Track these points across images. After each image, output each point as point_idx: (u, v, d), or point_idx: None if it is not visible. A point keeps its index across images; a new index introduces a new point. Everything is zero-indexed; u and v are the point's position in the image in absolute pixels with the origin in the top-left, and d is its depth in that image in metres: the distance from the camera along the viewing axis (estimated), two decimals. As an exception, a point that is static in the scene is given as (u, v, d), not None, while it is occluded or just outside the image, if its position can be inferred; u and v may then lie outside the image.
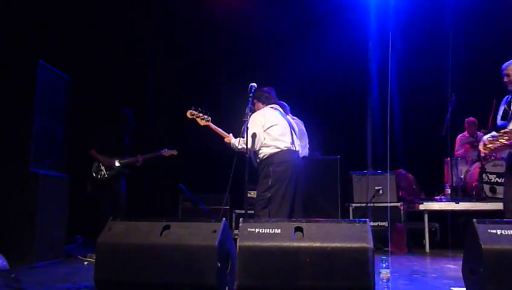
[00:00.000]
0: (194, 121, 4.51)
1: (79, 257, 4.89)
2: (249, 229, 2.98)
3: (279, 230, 2.97)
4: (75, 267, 4.51)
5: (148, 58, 7.41)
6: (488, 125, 6.62)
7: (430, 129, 6.87)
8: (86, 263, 4.65)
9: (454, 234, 6.06)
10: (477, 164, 6.41)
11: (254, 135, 4.30)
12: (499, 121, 4.31)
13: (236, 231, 4.33)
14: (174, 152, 5.56)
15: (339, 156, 6.26)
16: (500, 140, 4.07)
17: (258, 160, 4.47)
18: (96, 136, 5.58)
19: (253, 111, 4.35)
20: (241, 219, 3.08)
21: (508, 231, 2.91)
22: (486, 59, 7.28)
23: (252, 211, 5.79)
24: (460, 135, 7.21)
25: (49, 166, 4.72)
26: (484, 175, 6.21)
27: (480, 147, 4.23)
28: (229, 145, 4.50)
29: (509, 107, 4.17)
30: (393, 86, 6.67)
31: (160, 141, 6.90)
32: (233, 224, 6.06)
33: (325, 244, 2.88)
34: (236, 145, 4.37)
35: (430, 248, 5.94)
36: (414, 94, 7.43)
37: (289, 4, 7.54)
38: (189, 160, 5.75)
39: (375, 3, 7.12)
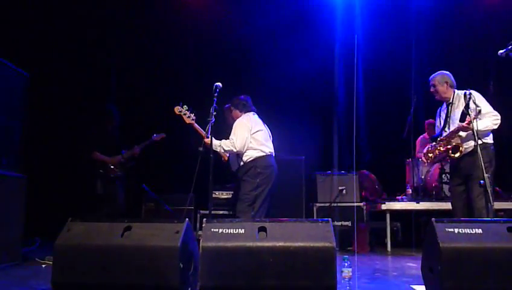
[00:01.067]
0: (179, 117, 4.60)
1: (37, 259, 4.74)
2: (212, 229, 2.96)
3: (243, 230, 2.95)
4: (33, 269, 4.36)
5: (112, 55, 7.24)
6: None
7: (392, 131, 7.02)
8: (44, 265, 4.51)
9: (415, 233, 6.23)
10: (437, 165, 6.59)
11: (242, 138, 4.55)
12: (437, 130, 4.78)
13: (200, 232, 4.31)
14: (163, 135, 5.58)
15: (303, 157, 6.32)
16: (438, 148, 4.55)
17: (241, 162, 4.67)
18: (94, 137, 5.46)
19: (217, 112, 4.34)
20: (204, 219, 3.05)
21: (465, 229, 3.00)
22: (448, 62, 7.50)
23: (222, 212, 5.85)
24: (421, 136, 7.39)
25: (5, 165, 4.54)
26: (443, 175, 6.38)
27: (422, 157, 4.74)
28: (209, 145, 4.52)
29: (446, 116, 4.61)
30: (358, 87, 6.80)
31: (124, 140, 6.80)
32: (198, 225, 6.02)
33: (288, 244, 2.89)
34: (224, 148, 4.58)
35: (391, 246, 6.06)
36: (377, 96, 7.56)
37: (257, 8, 7.56)
38: (153, 160, 5.65)
39: (341, 7, 7.24)
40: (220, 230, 2.95)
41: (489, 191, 3.85)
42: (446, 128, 4.61)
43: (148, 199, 6.26)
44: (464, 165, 4.44)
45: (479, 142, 4.12)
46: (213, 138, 4.50)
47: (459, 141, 4.43)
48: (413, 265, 4.74)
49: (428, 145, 4.77)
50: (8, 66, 4.66)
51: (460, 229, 2.99)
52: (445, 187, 6.34)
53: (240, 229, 2.95)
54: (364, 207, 6.17)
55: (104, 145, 5.42)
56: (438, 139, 4.64)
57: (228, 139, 4.66)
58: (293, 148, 6.42)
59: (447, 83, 4.65)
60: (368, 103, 7.23)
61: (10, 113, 4.73)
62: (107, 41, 7.12)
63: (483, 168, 3.87)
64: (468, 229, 2.99)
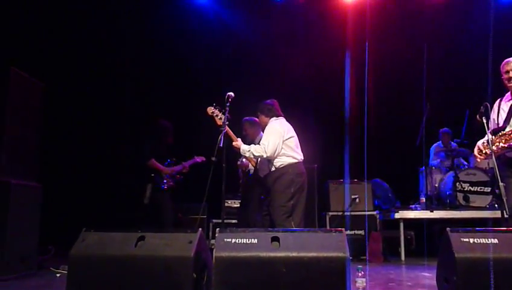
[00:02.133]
0: (211, 118, 4.51)
1: (51, 268, 4.77)
2: (225, 239, 2.96)
3: (256, 240, 2.95)
4: (47, 279, 4.40)
5: (126, 64, 7.31)
6: (461, 135, 6.77)
7: (405, 139, 6.98)
8: (58, 274, 4.54)
9: (429, 242, 6.16)
10: (451, 173, 6.53)
11: (274, 144, 4.45)
12: (492, 124, 4.20)
13: (213, 241, 4.32)
14: (203, 158, 5.66)
15: (316, 165, 6.30)
16: (498, 143, 3.98)
17: (272, 168, 4.57)
18: (153, 145, 5.50)
19: (229, 121, 4.34)
20: (217, 229, 3.06)
21: (481, 239, 2.96)
22: (461, 71, 7.46)
23: (234, 221, 5.84)
24: (435, 144, 7.34)
25: (21, 175, 4.60)
26: (458, 184, 6.32)
27: (476, 152, 4.16)
28: (237, 149, 4.57)
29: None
30: (370, 95, 6.79)
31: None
32: (210, 234, 6.02)
33: (301, 254, 2.87)
34: (254, 153, 4.48)
35: (405, 256, 6.01)
36: (390, 104, 7.54)
37: (270, 15, 7.60)
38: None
39: (351, 14, 7.25)
40: (233, 240, 2.95)
41: (504, 200, 3.77)
42: (510, 123, 4.02)
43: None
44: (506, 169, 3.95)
45: None
46: (242, 143, 4.58)
47: None
48: (427, 275, 4.69)
49: (483, 140, 4.11)
50: (23, 75, 4.73)
51: (475, 239, 2.96)
52: (460, 195, 6.28)
53: (253, 239, 2.95)
54: (378, 216, 6.12)
55: (157, 157, 5.46)
56: (500, 133, 4.04)
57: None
58: (305, 157, 6.40)
59: None
60: (380, 110, 7.21)
61: (25, 122, 4.79)
62: (123, 49, 7.20)
63: None
64: (483, 239, 2.96)
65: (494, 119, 4.19)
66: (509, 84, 4.07)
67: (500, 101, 4.19)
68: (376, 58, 7.01)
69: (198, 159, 5.67)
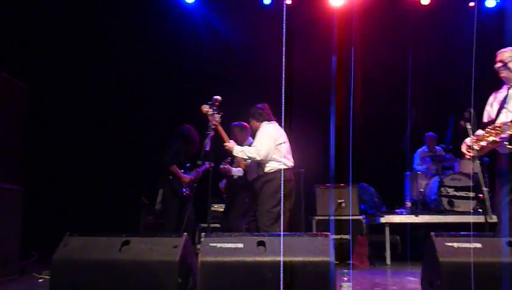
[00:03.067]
0: (205, 116, 4.35)
1: (34, 274, 4.69)
2: (210, 244, 2.95)
3: (242, 245, 2.95)
4: (29, 284, 4.33)
5: (111, 65, 7.24)
6: (446, 140, 6.85)
7: (391, 144, 7.03)
8: (40, 280, 4.47)
9: (414, 246, 6.20)
10: (436, 178, 6.59)
11: (267, 147, 4.46)
12: (486, 116, 4.04)
13: (199, 246, 4.30)
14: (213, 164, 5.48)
15: (303, 169, 6.30)
16: (486, 138, 3.78)
17: (261, 172, 4.56)
18: (175, 152, 5.32)
19: (216, 129, 4.31)
20: (203, 234, 3.04)
21: (464, 244, 3.00)
22: (445, 77, 7.56)
23: (218, 225, 5.81)
24: (420, 149, 7.40)
25: (3, 178, 4.52)
26: (443, 189, 6.38)
27: (464, 149, 3.92)
28: (229, 151, 4.55)
29: (504, 100, 3.88)
30: (357, 100, 6.83)
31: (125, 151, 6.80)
32: (196, 238, 5.98)
33: (287, 259, 2.87)
34: (248, 154, 4.47)
35: (391, 260, 6.03)
36: (376, 109, 7.59)
37: (259, 19, 7.61)
38: (152, 172, 5.63)
39: (338, 18, 7.29)
40: (219, 245, 2.94)
41: (487, 205, 3.81)
42: (502, 115, 3.85)
43: (147, 212, 6.23)
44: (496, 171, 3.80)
45: None
46: (235, 144, 4.56)
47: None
48: (412, 279, 4.71)
49: (471, 137, 3.92)
50: (7, 78, 4.66)
51: (459, 244, 2.99)
52: (444, 200, 6.34)
53: (238, 244, 2.94)
54: (363, 220, 6.14)
55: (179, 162, 5.32)
56: (489, 127, 3.83)
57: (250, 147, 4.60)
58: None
59: None
60: (367, 115, 7.25)
61: (8, 126, 4.72)
62: (111, 51, 7.14)
63: None
64: (467, 244, 2.99)
65: (488, 111, 4.04)
66: (501, 75, 3.93)
67: (496, 93, 4.04)
68: (363, 64, 7.06)
69: (208, 164, 5.52)
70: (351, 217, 6.02)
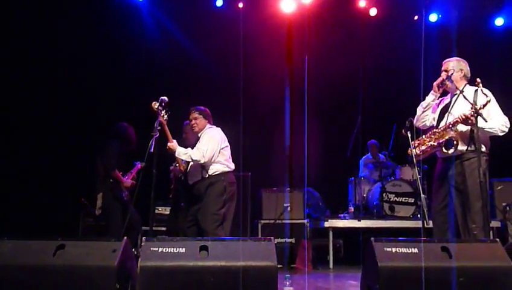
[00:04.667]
0: (155, 113, 4.27)
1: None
2: (151, 248, 2.87)
3: (184, 249, 2.89)
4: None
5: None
6: (388, 147, 7.09)
7: (336, 150, 7.17)
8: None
9: (356, 250, 6.35)
10: (379, 184, 6.79)
11: (212, 150, 4.48)
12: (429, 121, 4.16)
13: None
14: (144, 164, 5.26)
15: (250, 173, 6.31)
16: (428, 142, 3.97)
17: (206, 175, 4.54)
18: (115, 155, 5.08)
19: (162, 128, 4.23)
20: (143, 238, 2.96)
21: (402, 249, 3.08)
22: (389, 86, 7.81)
23: (163, 228, 5.70)
24: (364, 156, 7.61)
25: None
26: (384, 194, 6.58)
27: (410, 151, 4.02)
28: (170, 151, 4.48)
29: (447, 107, 4.05)
30: (306, 107, 6.94)
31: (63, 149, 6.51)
32: (139, 241, 5.83)
33: (229, 263, 2.85)
34: (192, 156, 4.44)
35: (334, 264, 6.13)
36: (323, 116, 7.73)
37: (209, 23, 7.54)
38: (93, 174, 5.42)
39: (291, 28, 7.37)
40: (160, 249, 2.87)
41: (425, 211, 3.95)
42: (442, 122, 4.00)
43: (86, 214, 5.99)
44: (452, 172, 3.87)
45: (472, 147, 3.71)
46: (177, 145, 4.50)
47: (455, 135, 3.83)
48: (354, 283, 4.81)
49: (416, 141, 4.06)
50: None
51: (398, 249, 3.07)
52: (386, 205, 6.54)
53: (180, 249, 2.88)
54: (308, 224, 6.22)
55: (119, 165, 5.13)
56: (430, 132, 4.04)
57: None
58: (238, 165, 6.40)
59: (462, 71, 4.04)
60: (315, 122, 7.36)
61: None
62: (49, 49, 6.82)
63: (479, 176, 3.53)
64: (405, 249, 3.07)
65: (434, 118, 4.14)
66: (441, 84, 4.05)
67: (442, 100, 4.19)
68: (315, 71, 7.20)
69: (139, 164, 5.39)
70: (298, 221, 6.10)
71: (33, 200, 6.22)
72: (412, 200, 6.56)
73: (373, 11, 7.71)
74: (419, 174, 4.28)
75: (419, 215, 6.40)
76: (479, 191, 3.66)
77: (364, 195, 6.93)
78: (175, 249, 2.88)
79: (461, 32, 7.27)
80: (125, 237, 2.93)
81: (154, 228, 4.61)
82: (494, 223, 6.09)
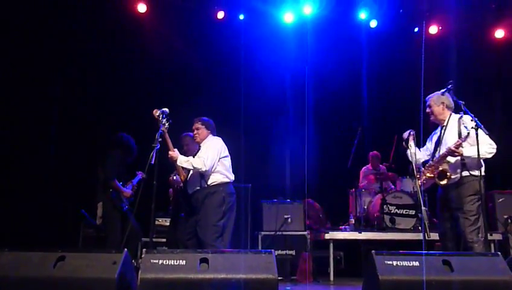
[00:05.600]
0: (156, 121, 4.30)
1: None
2: (152, 260, 2.87)
3: (184, 262, 2.89)
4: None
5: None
6: (389, 159, 7.08)
7: (337, 161, 7.17)
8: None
9: (357, 262, 6.32)
10: (379, 196, 6.77)
11: (212, 159, 4.47)
12: (427, 154, 4.46)
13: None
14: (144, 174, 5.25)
15: (250, 184, 6.30)
16: (425, 174, 4.27)
17: (205, 184, 4.53)
18: (115, 165, 5.07)
19: (163, 137, 4.24)
20: (144, 250, 2.95)
21: (403, 262, 3.08)
22: (391, 99, 7.84)
23: (163, 239, 5.68)
24: (364, 167, 7.60)
25: None
26: (385, 206, 6.55)
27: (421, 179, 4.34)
28: (172, 160, 4.47)
29: (438, 139, 4.33)
30: (307, 118, 6.96)
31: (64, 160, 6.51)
32: (139, 253, 5.81)
33: (229, 276, 2.84)
34: (194, 164, 4.43)
35: (334, 276, 6.09)
36: (324, 127, 7.74)
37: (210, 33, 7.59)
38: (93, 184, 5.42)
39: (292, 38, 7.41)
40: (160, 261, 2.87)
41: (426, 223, 3.96)
42: (436, 153, 4.30)
43: (86, 225, 5.98)
44: (450, 196, 4.16)
45: (465, 173, 4.02)
46: (177, 152, 4.49)
47: (447, 167, 4.14)
48: (354, 295, 4.79)
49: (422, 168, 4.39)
50: None
51: (398, 262, 3.07)
52: (387, 217, 6.51)
53: (180, 261, 2.88)
54: (308, 236, 6.20)
55: (119, 175, 5.11)
56: (427, 164, 4.34)
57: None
58: (238, 176, 6.40)
59: (443, 103, 4.31)
60: (316, 133, 7.38)
61: None
62: (53, 58, 6.85)
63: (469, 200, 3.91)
64: (406, 262, 3.07)
65: (428, 148, 4.48)
66: (431, 118, 4.41)
67: (435, 131, 4.48)
68: (316, 79, 7.23)
69: (140, 174, 5.37)
70: (298, 233, 6.08)
71: (34, 210, 6.21)
72: (413, 212, 6.53)
73: (373, 23, 7.76)
74: (420, 187, 4.28)
75: (420, 228, 6.38)
76: (474, 213, 3.99)
77: (365, 207, 6.90)
78: (175, 261, 2.87)
79: (461, 44, 7.32)
80: (126, 249, 2.93)
81: (154, 239, 4.59)
82: (496, 236, 6.07)
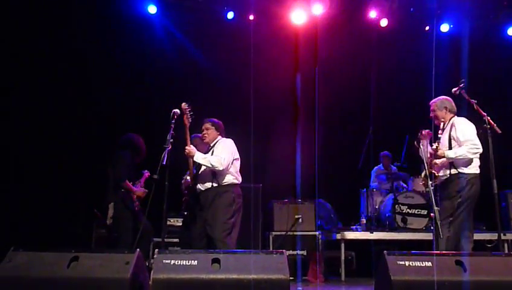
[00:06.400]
0: (182, 113, 4.39)
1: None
2: (164, 260, 2.89)
3: (196, 262, 2.91)
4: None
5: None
6: (401, 159, 7.04)
7: (348, 161, 7.14)
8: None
9: (369, 262, 6.29)
10: (391, 195, 6.74)
11: (228, 159, 4.51)
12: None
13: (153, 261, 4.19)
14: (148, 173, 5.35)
15: (261, 184, 6.31)
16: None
17: (215, 183, 4.54)
18: (126, 165, 5.10)
19: (174, 138, 4.26)
20: (156, 250, 2.98)
21: (415, 262, 3.06)
22: (402, 97, 7.79)
23: (175, 240, 5.70)
24: (376, 167, 7.57)
25: None
26: (396, 206, 6.52)
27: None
28: (189, 155, 4.46)
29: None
30: (317, 118, 6.95)
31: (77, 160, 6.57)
32: (151, 253, 5.85)
33: (241, 276, 2.85)
34: (212, 162, 4.43)
35: (346, 276, 6.08)
36: (334, 127, 7.72)
37: (221, 34, 7.60)
38: (105, 184, 5.46)
39: (301, 38, 7.39)
40: (172, 261, 2.89)
41: (438, 224, 3.94)
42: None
43: (99, 226, 6.03)
44: (440, 194, 4.39)
45: (454, 171, 4.22)
46: (194, 149, 4.49)
47: (436, 168, 4.38)
48: (366, 295, 4.78)
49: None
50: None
51: (410, 262, 3.05)
52: (398, 217, 6.48)
53: (192, 261, 2.90)
54: (320, 236, 6.19)
55: (130, 175, 5.15)
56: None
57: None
58: (248, 176, 6.40)
59: (446, 108, 4.49)
60: (326, 133, 7.36)
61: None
62: (67, 61, 6.91)
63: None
64: (418, 262, 3.06)
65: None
66: (435, 122, 4.56)
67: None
68: (325, 83, 7.20)
69: (147, 173, 5.40)
70: (308, 233, 6.07)
71: (46, 211, 6.28)
72: (424, 212, 6.48)
73: (384, 22, 7.70)
74: (431, 186, 4.27)
75: (432, 227, 6.33)
76: (454, 209, 4.19)
77: (376, 207, 6.87)
78: (187, 261, 2.89)
79: (473, 42, 7.25)
80: (138, 249, 2.95)
81: (166, 240, 4.62)
82: (509, 236, 6.01)
